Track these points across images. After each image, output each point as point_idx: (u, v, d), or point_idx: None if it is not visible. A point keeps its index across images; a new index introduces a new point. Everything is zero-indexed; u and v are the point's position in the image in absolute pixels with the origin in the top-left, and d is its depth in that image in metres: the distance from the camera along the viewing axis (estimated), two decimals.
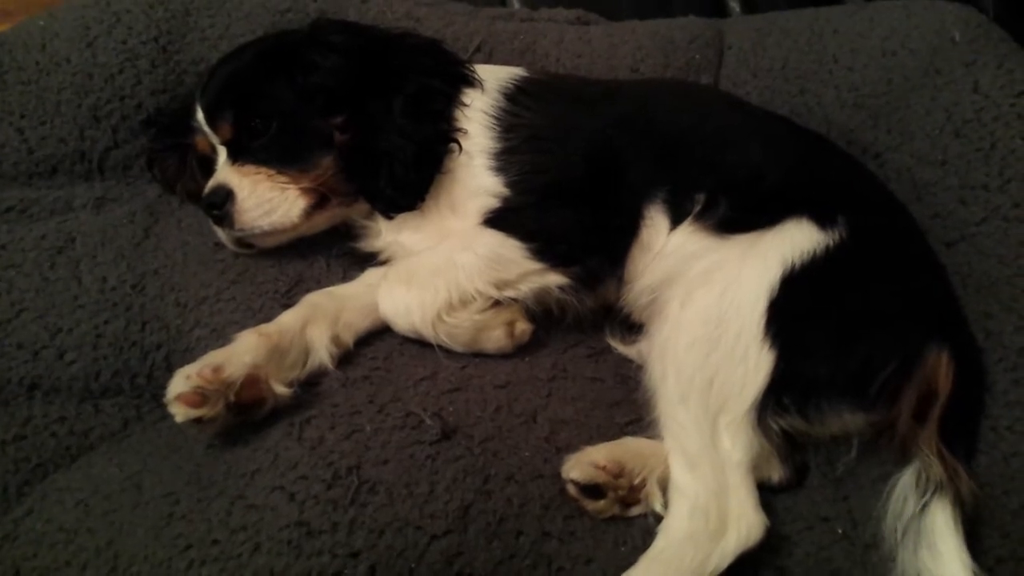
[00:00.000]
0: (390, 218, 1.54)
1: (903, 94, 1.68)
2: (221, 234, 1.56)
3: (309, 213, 1.51)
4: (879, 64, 1.73)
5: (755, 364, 1.26)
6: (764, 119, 1.65)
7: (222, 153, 1.55)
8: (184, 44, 1.83)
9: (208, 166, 1.59)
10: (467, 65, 1.59)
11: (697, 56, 2.02)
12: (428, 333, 1.43)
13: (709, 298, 1.32)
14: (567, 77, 1.85)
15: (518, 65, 1.76)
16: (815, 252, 1.31)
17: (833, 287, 1.31)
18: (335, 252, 1.68)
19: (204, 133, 1.57)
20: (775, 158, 1.49)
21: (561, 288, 1.48)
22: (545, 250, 1.46)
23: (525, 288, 1.47)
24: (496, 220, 1.48)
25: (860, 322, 1.29)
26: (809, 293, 1.30)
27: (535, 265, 1.46)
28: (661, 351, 1.33)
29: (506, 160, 1.51)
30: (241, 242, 1.56)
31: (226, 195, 1.48)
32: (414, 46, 1.59)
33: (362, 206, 1.57)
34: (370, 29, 1.63)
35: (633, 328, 1.56)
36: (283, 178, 1.49)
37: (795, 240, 1.33)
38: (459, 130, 1.52)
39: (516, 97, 1.60)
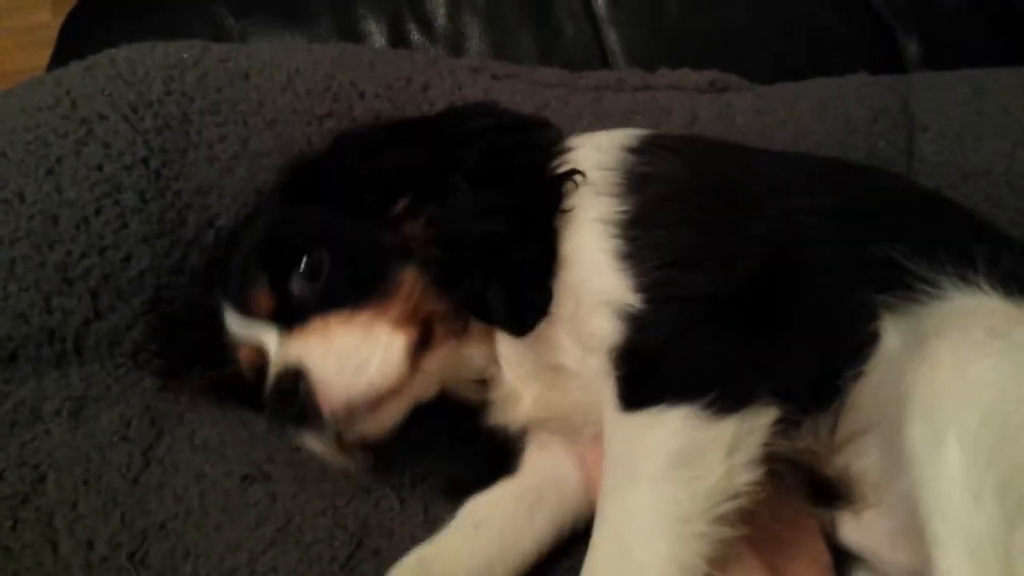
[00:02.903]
0: (520, 333, 1.07)
1: None
2: (315, 445, 1.07)
3: (415, 355, 1.05)
4: None
5: None
6: None
7: (271, 340, 1.09)
8: (185, 166, 1.32)
9: (260, 377, 1.10)
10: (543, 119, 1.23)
11: (882, 143, 1.49)
12: None
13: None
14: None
15: None
16: None
17: None
18: (408, 479, 1.22)
19: (242, 340, 1.13)
20: None
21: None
22: (731, 389, 0.98)
23: (741, 471, 0.97)
24: (632, 371, 1.01)
25: None
26: None
27: (730, 424, 0.97)
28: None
29: (634, 239, 1.05)
30: (346, 445, 1.07)
31: (296, 375, 1.01)
32: (462, 114, 1.24)
33: (478, 340, 1.13)
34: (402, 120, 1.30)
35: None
36: (362, 315, 1.04)
37: None
38: (568, 173, 1.10)
39: (648, 150, 1.16)
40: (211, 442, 1.23)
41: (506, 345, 1.12)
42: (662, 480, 0.95)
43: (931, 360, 0.96)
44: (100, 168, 1.27)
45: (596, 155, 1.13)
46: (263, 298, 1.09)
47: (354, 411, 1.02)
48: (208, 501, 1.17)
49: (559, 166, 1.11)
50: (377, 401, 1.03)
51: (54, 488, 1.16)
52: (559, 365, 1.10)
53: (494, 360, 1.14)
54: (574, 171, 1.10)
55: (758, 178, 1.17)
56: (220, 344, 1.16)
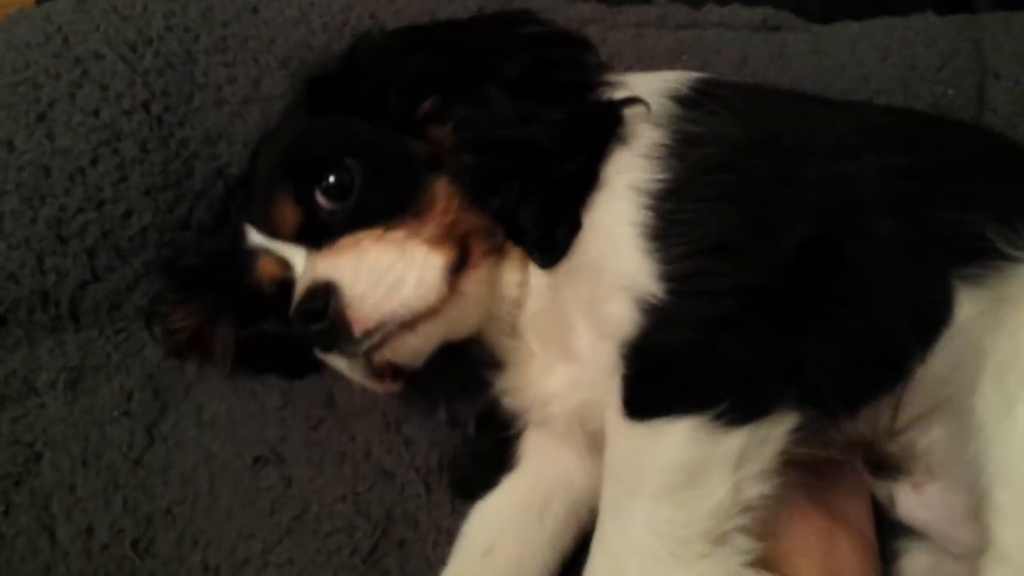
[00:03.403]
0: (544, 263, 0.99)
1: None
2: (343, 366, 0.99)
3: (453, 276, 0.96)
4: None
5: None
6: None
7: (297, 258, 1.00)
8: (190, 111, 1.21)
9: (285, 299, 1.00)
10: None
11: (950, 91, 1.35)
12: None
13: None
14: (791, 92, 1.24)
15: None
16: None
17: None
18: (435, 464, 1.11)
19: (265, 252, 1.02)
20: None
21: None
22: (747, 400, 0.88)
23: (751, 484, 0.88)
24: (643, 372, 0.91)
25: None
26: None
27: (741, 435, 0.87)
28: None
29: (667, 215, 0.93)
30: (378, 368, 0.97)
31: (326, 292, 0.93)
32: (502, 19, 1.13)
33: (515, 262, 1.02)
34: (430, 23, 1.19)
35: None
36: (396, 233, 0.96)
37: None
38: (629, 99, 0.99)
39: (699, 101, 1.02)
40: (219, 419, 1.13)
41: (536, 278, 1.02)
42: (662, 499, 0.87)
43: (1008, 326, 0.90)
44: (96, 113, 1.16)
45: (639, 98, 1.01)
46: (289, 214, 0.99)
47: (387, 332, 0.93)
48: (218, 485, 1.08)
49: (615, 90, 1.01)
50: (412, 322, 0.94)
51: (50, 469, 1.08)
52: (573, 349, 1.00)
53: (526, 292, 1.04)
54: (635, 99, 0.98)
55: (817, 136, 1.03)
56: (236, 289, 1.07)
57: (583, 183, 0.97)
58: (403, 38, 1.09)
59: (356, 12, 1.28)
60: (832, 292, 0.93)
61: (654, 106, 0.99)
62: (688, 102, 1.01)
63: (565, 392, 1.02)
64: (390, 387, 1.00)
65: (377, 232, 0.95)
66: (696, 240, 0.91)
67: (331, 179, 0.97)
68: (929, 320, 0.95)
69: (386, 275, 0.93)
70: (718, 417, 0.86)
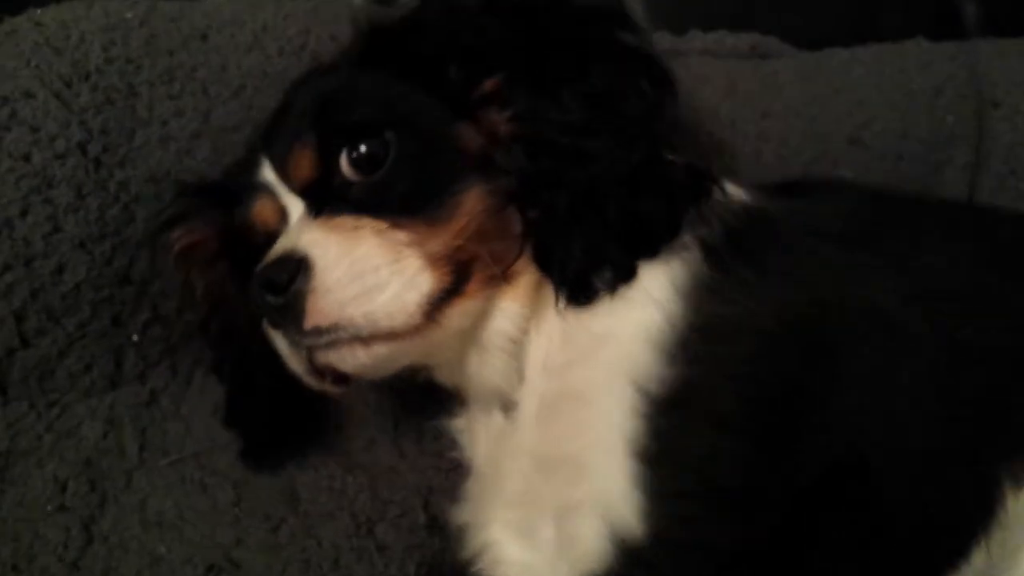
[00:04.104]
0: (577, 301, 0.86)
1: None
2: (283, 346, 0.87)
3: (437, 304, 0.85)
4: None
5: None
6: None
7: (295, 213, 0.91)
8: (132, 149, 1.07)
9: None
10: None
11: (950, 119, 1.28)
12: None
13: None
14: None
15: None
16: None
17: None
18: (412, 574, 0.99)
19: (270, 192, 0.93)
20: None
21: None
22: None
23: None
24: None
25: None
26: None
27: None
28: None
29: (665, 435, 0.81)
30: (319, 366, 0.86)
31: (296, 266, 0.82)
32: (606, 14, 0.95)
33: (516, 295, 0.90)
34: None
35: None
36: (401, 234, 0.85)
37: None
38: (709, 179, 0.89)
39: (732, 265, 0.86)
40: (166, 517, 1.00)
41: (548, 323, 0.90)
42: None
43: None
44: (27, 158, 1.01)
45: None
46: (305, 166, 0.90)
47: (338, 337, 0.83)
48: None
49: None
50: (369, 339, 0.83)
51: None
52: (536, 527, 0.88)
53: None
54: (713, 181, 0.88)
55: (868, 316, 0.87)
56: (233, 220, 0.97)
57: (649, 239, 0.85)
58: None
59: (315, 34, 1.15)
60: (856, 527, 0.83)
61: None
62: (719, 265, 0.86)
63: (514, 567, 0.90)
64: (330, 389, 0.89)
65: (382, 225, 0.85)
66: (692, 480, 0.81)
67: (363, 148, 0.87)
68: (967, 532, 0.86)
69: (366, 276, 0.83)
70: None
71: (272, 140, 0.94)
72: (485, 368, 0.92)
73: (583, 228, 0.85)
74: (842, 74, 1.32)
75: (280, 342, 0.87)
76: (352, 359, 0.84)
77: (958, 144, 1.30)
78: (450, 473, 1.01)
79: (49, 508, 0.96)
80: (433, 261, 0.85)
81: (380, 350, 0.84)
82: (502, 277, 0.89)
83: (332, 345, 0.83)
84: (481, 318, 0.90)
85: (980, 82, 1.32)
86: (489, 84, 0.88)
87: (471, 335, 0.90)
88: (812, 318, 0.85)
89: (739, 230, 0.87)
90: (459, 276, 0.86)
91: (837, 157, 1.28)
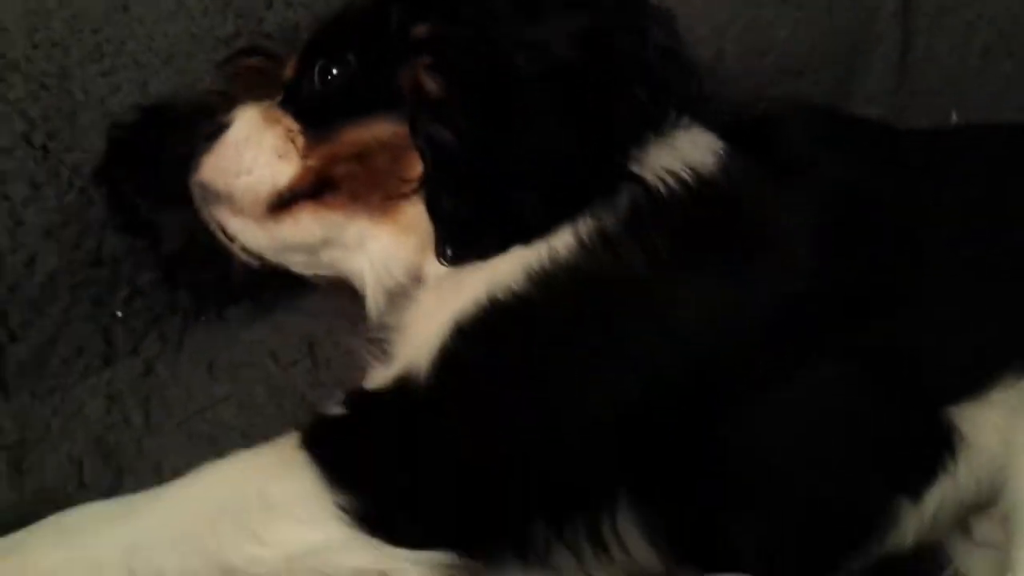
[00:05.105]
0: (448, 256, 0.90)
1: None
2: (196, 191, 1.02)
3: (287, 200, 0.97)
4: None
5: None
6: None
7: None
8: (76, 132, 1.07)
9: None
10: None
11: None
12: None
13: None
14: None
15: None
16: None
17: None
18: None
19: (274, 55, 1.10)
20: None
21: None
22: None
23: None
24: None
25: None
26: None
27: None
28: None
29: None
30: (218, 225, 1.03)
31: (219, 129, 1.00)
32: None
33: (394, 231, 0.96)
34: None
35: None
36: (300, 139, 0.97)
37: None
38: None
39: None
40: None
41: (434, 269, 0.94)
42: None
43: None
44: None
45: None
46: (290, 66, 1.04)
47: (208, 196, 1.01)
48: None
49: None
50: (236, 209, 1.00)
51: None
52: None
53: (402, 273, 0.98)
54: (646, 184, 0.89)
55: None
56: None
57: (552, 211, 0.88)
58: None
59: None
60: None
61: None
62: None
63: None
64: (241, 255, 1.05)
65: (295, 127, 0.98)
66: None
67: (323, 62, 0.98)
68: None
69: (244, 156, 0.97)
70: None
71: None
72: (369, 295, 0.99)
73: (481, 184, 0.89)
74: None
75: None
76: (230, 223, 1.01)
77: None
78: None
79: (69, 488, 0.99)
80: (306, 167, 0.96)
81: (247, 226, 1.00)
82: (379, 207, 0.95)
83: (207, 203, 1.01)
84: (349, 237, 0.98)
85: None
86: (419, 30, 0.93)
87: (344, 252, 1.00)
88: None
89: (662, 206, 0.87)
90: (321, 184, 0.97)
91: None
